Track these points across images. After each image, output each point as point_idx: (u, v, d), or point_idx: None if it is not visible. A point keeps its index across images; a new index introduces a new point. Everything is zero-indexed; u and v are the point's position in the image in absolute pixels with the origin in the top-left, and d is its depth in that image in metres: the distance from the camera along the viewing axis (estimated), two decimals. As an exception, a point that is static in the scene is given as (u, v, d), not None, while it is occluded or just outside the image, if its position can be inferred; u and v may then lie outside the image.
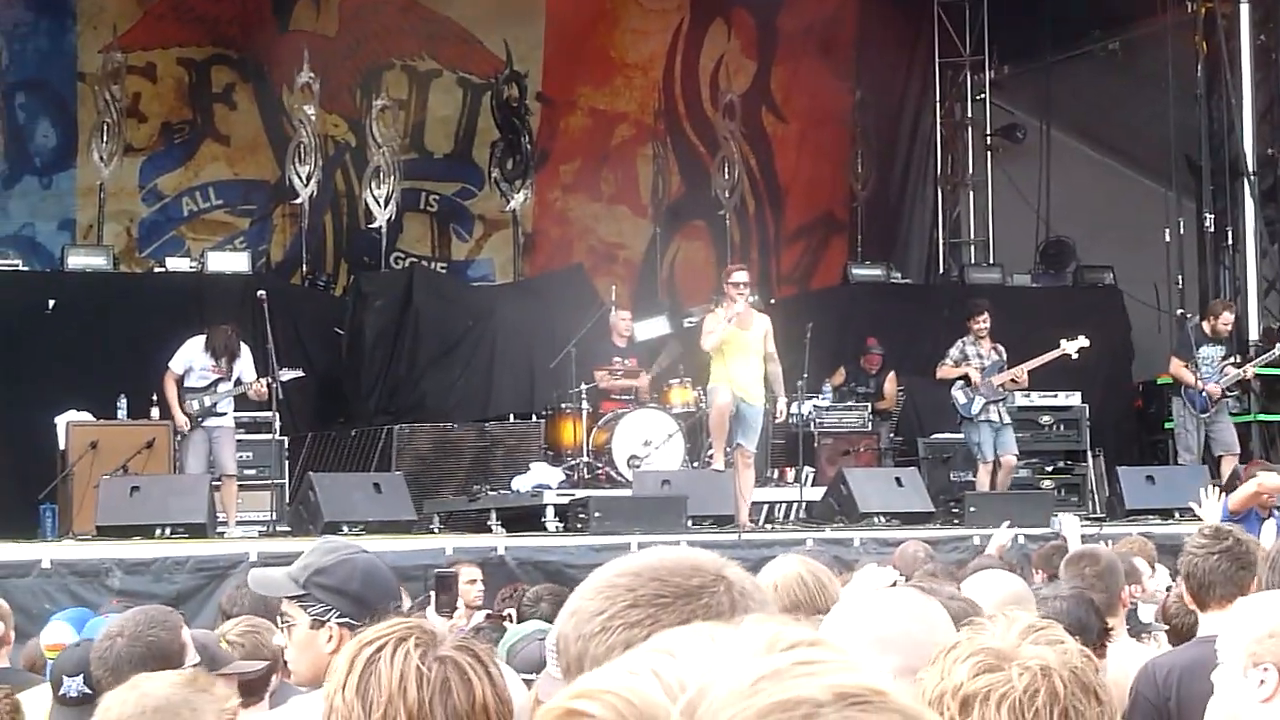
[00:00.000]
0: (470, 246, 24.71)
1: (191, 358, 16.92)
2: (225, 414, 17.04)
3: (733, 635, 1.15)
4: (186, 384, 16.90)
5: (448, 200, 24.57)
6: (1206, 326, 19.37)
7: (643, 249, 25.03)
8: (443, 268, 24.33)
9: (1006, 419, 18.87)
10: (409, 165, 23.55)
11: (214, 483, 16.51)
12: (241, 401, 17.19)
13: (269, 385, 16.76)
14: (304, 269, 22.35)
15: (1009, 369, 18.77)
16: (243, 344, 17.05)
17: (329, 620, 4.37)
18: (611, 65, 25.31)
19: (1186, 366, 19.09)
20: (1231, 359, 19.35)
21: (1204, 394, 18.90)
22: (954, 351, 19.00)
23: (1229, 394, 19.40)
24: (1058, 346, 18.61)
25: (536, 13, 24.68)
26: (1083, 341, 18.56)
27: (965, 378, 18.71)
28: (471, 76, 24.43)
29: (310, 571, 4.40)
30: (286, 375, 16.90)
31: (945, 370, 19.02)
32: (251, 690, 5.61)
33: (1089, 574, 7.08)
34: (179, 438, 16.89)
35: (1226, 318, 19.52)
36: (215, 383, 16.92)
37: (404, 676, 2.99)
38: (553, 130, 24.95)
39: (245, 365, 16.98)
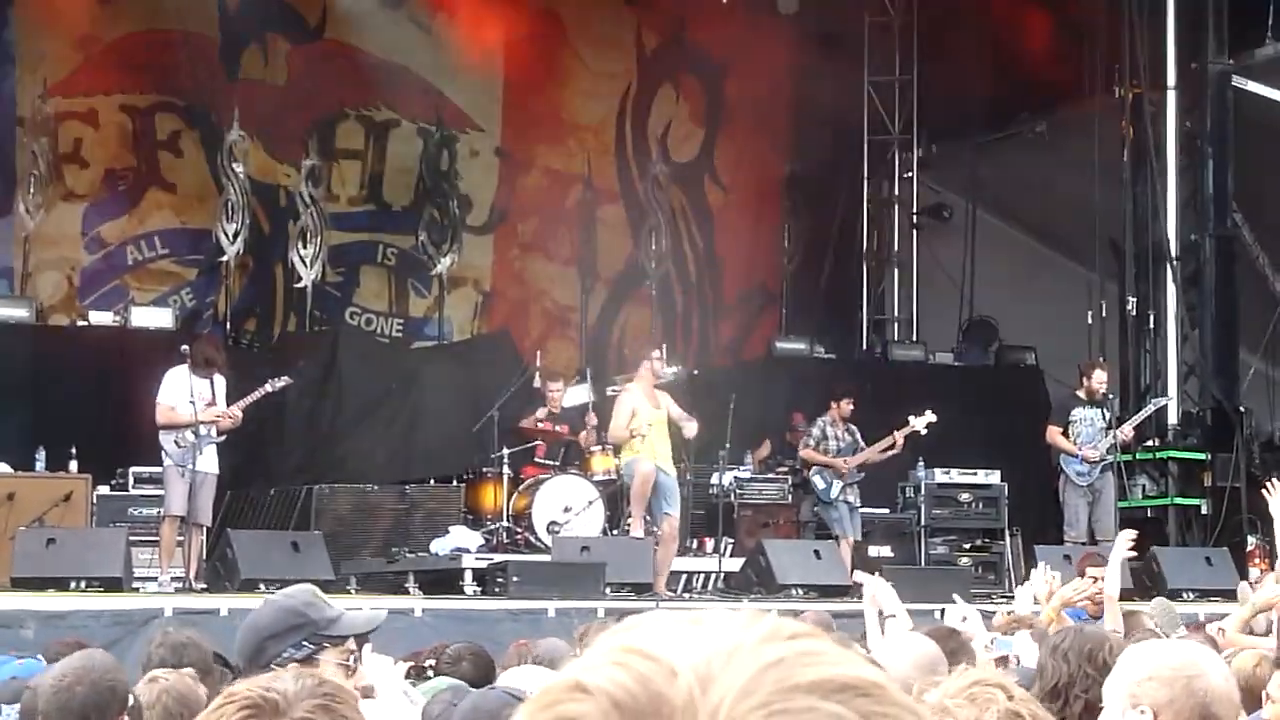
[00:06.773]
0: (428, 303, 24.02)
1: (179, 388, 15.98)
2: (212, 462, 16.15)
3: (722, 622, 1.14)
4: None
5: (406, 255, 23.97)
6: (1082, 392, 19.00)
7: (596, 313, 24.83)
8: (400, 325, 23.97)
9: (858, 502, 19.03)
10: (366, 217, 23.48)
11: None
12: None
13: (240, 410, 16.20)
14: (227, 327, 22.07)
15: (864, 450, 18.91)
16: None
17: None
18: (563, 126, 25.07)
19: (1063, 433, 18.87)
20: (1108, 423, 18.82)
21: (1081, 459, 18.56)
22: (815, 431, 19.15)
23: (1109, 460, 18.71)
24: (906, 424, 18.71)
25: (496, 67, 24.35)
26: (930, 417, 18.59)
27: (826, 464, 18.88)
28: (430, 127, 23.92)
29: None
30: (279, 383, 16.60)
31: (808, 453, 19.11)
32: None
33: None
34: (180, 470, 15.95)
35: (1099, 375, 19.10)
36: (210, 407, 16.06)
37: None
38: (511, 188, 24.68)
39: (220, 391, 16.19)
